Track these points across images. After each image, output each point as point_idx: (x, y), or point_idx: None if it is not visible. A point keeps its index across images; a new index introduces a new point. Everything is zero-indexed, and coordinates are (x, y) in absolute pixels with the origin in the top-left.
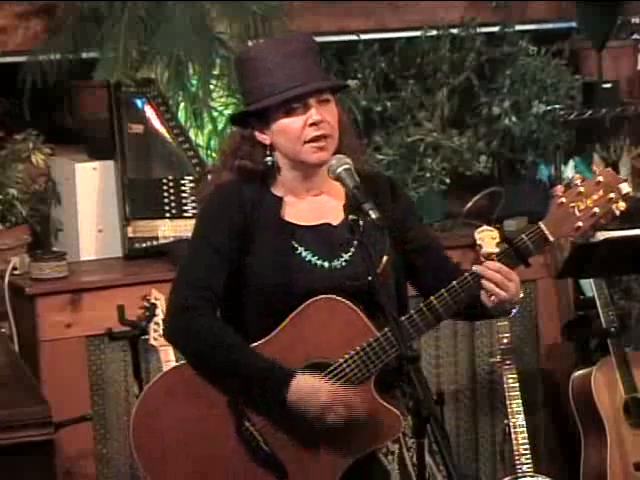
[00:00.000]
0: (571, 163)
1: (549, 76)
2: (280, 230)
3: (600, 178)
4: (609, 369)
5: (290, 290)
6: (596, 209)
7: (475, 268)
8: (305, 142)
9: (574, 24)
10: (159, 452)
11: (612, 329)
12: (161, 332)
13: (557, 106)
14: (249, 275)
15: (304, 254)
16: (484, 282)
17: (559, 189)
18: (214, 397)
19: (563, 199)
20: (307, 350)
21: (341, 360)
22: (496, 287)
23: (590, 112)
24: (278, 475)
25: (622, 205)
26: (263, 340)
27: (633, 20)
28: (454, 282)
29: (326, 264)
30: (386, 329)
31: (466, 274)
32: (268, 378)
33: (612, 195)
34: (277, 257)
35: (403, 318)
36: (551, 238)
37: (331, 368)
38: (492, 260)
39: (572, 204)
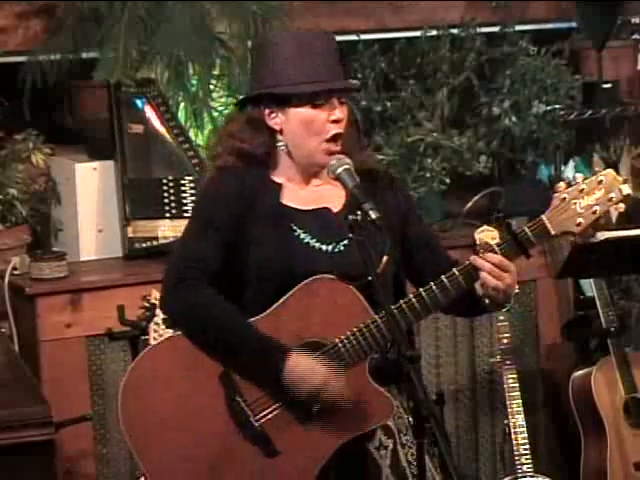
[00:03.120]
0: (571, 163)
1: (549, 76)
2: (278, 213)
3: (602, 177)
4: (609, 369)
5: (289, 271)
6: (597, 207)
7: (472, 258)
8: (325, 140)
9: (574, 24)
10: (147, 424)
11: (612, 329)
12: (161, 332)
13: (557, 106)
14: (248, 258)
15: (302, 236)
16: (480, 272)
17: (561, 186)
18: (206, 370)
19: (565, 195)
20: (302, 329)
21: (337, 340)
22: (490, 277)
23: (590, 112)
24: (267, 451)
25: (621, 206)
26: (259, 317)
27: (633, 20)
28: (454, 269)
29: (324, 247)
30: (383, 312)
31: (467, 262)
32: (265, 353)
33: (613, 195)
34: (276, 239)
35: (392, 307)
36: (552, 231)
37: (326, 348)
38: (491, 250)
39: (574, 200)
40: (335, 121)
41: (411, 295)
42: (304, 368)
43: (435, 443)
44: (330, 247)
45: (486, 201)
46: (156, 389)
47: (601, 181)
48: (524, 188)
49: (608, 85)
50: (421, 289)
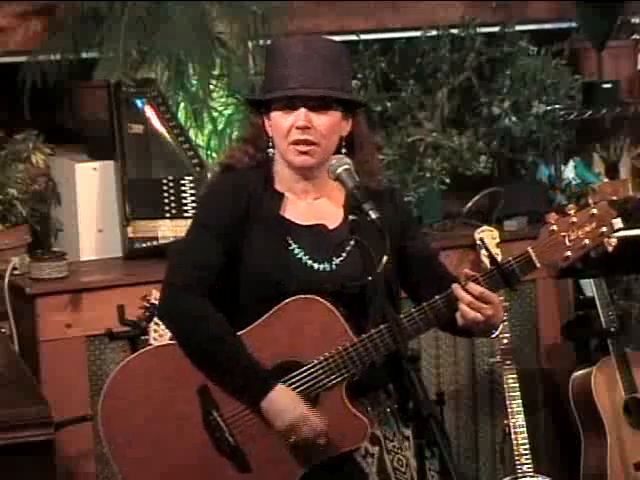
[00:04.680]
0: (571, 163)
1: (549, 76)
2: (276, 225)
3: (594, 211)
4: (609, 369)
5: (279, 285)
6: (586, 241)
7: (453, 287)
8: (290, 143)
9: (574, 24)
10: (124, 431)
11: (612, 329)
12: (161, 332)
13: (557, 106)
14: (245, 259)
15: (297, 251)
16: (459, 303)
17: (552, 216)
18: (186, 383)
19: (555, 227)
20: (281, 348)
21: (315, 361)
22: (469, 309)
23: (590, 112)
24: (240, 468)
25: (613, 241)
26: (242, 331)
27: (633, 20)
28: (436, 297)
29: (316, 265)
30: (364, 335)
31: (449, 290)
32: (249, 379)
33: (604, 229)
34: (271, 251)
35: (382, 327)
36: (538, 264)
37: (303, 369)
38: (476, 281)
39: (563, 233)
40: (298, 128)
41: (390, 319)
42: (284, 404)
43: (435, 443)
44: (322, 266)
45: (486, 201)
46: (135, 399)
47: (593, 214)
48: (524, 188)
49: (608, 85)
50: (402, 314)
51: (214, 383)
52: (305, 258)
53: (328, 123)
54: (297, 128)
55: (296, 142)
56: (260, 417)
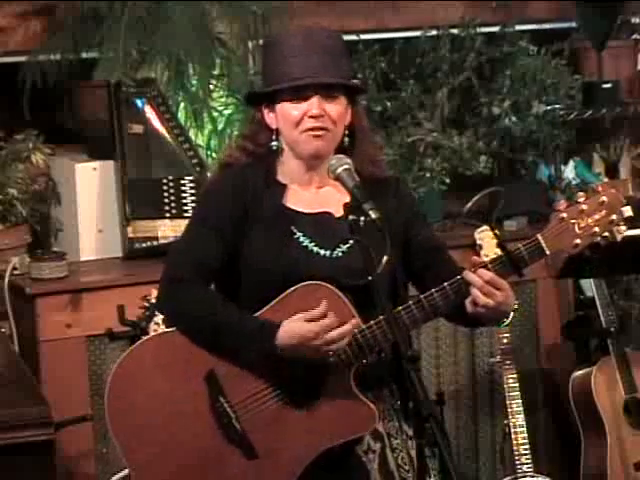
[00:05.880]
0: (571, 163)
1: (549, 76)
2: (280, 215)
3: (604, 198)
4: (609, 369)
5: (286, 274)
6: (596, 228)
7: (464, 273)
8: (302, 131)
9: (574, 24)
10: (132, 422)
11: (612, 329)
12: (161, 332)
13: (557, 106)
14: (246, 258)
15: (302, 239)
16: (471, 288)
17: (562, 204)
18: (191, 370)
19: (564, 215)
20: None
21: None
22: (481, 294)
23: (590, 112)
24: (246, 454)
25: (623, 228)
26: None
27: (633, 20)
28: (445, 283)
29: (322, 252)
30: (372, 322)
31: (458, 277)
32: (256, 329)
33: (614, 217)
34: (275, 241)
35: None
36: (547, 251)
37: None
38: (485, 267)
39: (573, 220)
40: (312, 116)
41: (400, 307)
42: (296, 329)
43: (435, 443)
44: (328, 252)
45: (486, 201)
46: (141, 387)
47: (603, 202)
48: (524, 188)
49: (608, 85)
50: (410, 301)
51: (224, 364)
52: (311, 245)
53: (338, 110)
54: (310, 117)
55: (309, 130)
56: (268, 403)
